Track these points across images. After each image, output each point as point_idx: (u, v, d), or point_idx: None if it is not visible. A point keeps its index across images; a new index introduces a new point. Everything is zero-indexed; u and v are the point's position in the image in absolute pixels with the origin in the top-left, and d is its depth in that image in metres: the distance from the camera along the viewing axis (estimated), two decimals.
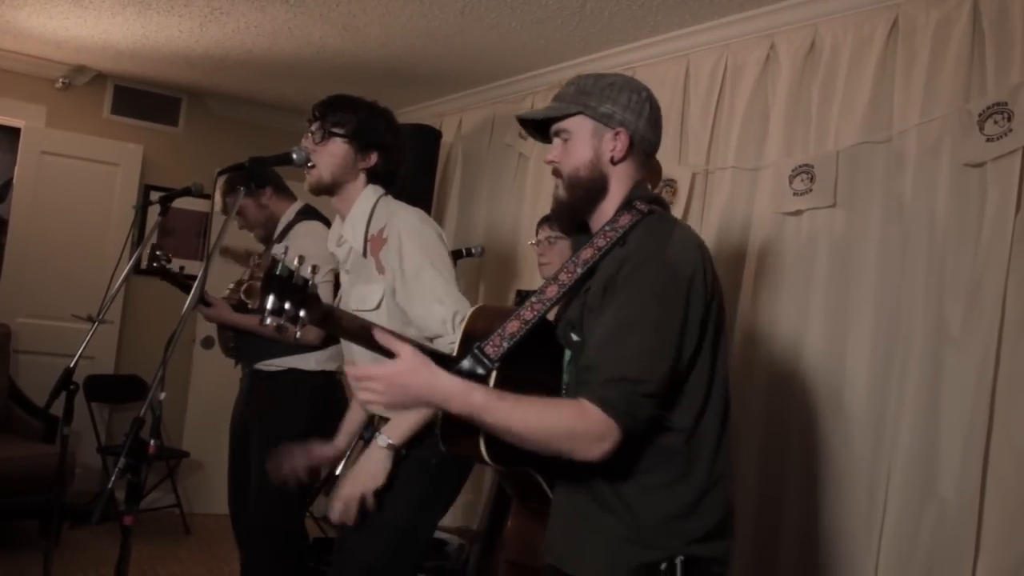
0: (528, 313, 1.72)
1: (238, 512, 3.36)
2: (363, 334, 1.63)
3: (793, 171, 3.04)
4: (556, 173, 1.84)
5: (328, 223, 3.24)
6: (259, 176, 3.30)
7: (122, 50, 4.81)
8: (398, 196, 2.50)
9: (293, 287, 1.50)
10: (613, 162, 1.80)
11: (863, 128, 2.89)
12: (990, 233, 2.49)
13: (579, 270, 1.74)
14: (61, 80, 5.38)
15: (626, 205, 1.78)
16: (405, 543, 2.35)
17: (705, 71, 3.50)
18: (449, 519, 3.84)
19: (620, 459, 1.61)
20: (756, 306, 3.16)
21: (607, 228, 1.75)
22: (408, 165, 2.57)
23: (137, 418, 2.18)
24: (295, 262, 1.52)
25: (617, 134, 1.79)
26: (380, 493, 2.29)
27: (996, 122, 2.49)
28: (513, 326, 1.70)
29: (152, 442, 2.32)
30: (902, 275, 2.73)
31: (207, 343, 5.38)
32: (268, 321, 1.50)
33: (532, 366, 1.74)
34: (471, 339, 1.72)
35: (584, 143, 1.80)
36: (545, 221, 3.43)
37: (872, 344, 2.80)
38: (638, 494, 1.67)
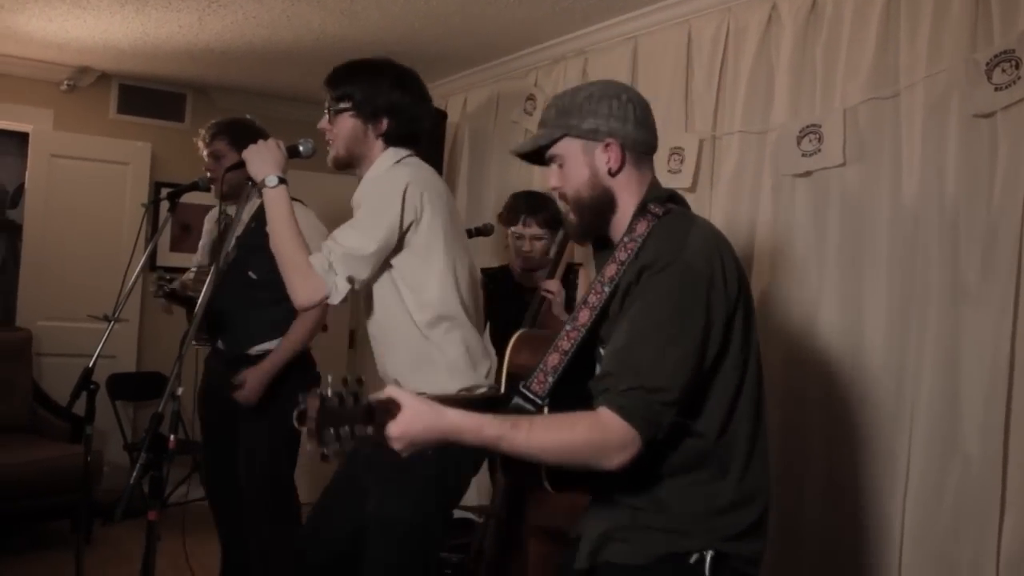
0: (565, 343, 1.74)
1: (218, 492, 3.40)
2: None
3: (801, 132, 3.01)
4: (563, 198, 1.82)
5: (302, 203, 3.25)
6: None
7: (124, 49, 4.81)
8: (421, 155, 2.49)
9: (344, 411, 1.43)
10: (612, 174, 1.78)
11: (869, 85, 2.85)
12: (1002, 184, 2.46)
13: (606, 289, 1.73)
14: (66, 82, 5.39)
15: (640, 211, 1.76)
16: (416, 538, 2.34)
17: (707, 36, 3.46)
18: (474, 498, 3.85)
19: (651, 463, 1.63)
20: (771, 270, 3.14)
21: (626, 240, 1.73)
22: (431, 120, 2.55)
23: (156, 414, 2.20)
24: (338, 385, 1.44)
25: (607, 146, 1.77)
26: (384, 491, 2.30)
27: (1004, 70, 2.45)
28: (554, 359, 1.73)
29: (172, 437, 2.33)
30: (915, 231, 2.70)
31: None
32: (332, 456, 1.42)
33: (574, 385, 1.74)
34: (516, 376, 1.78)
35: (578, 163, 1.78)
36: (531, 214, 3.41)
37: (888, 302, 2.78)
38: (674, 494, 1.68)
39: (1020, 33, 2.43)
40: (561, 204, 1.84)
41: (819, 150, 2.95)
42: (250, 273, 3.22)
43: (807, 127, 2.99)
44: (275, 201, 2.31)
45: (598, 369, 1.79)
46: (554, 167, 1.82)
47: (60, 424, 4.94)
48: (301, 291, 2.24)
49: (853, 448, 2.84)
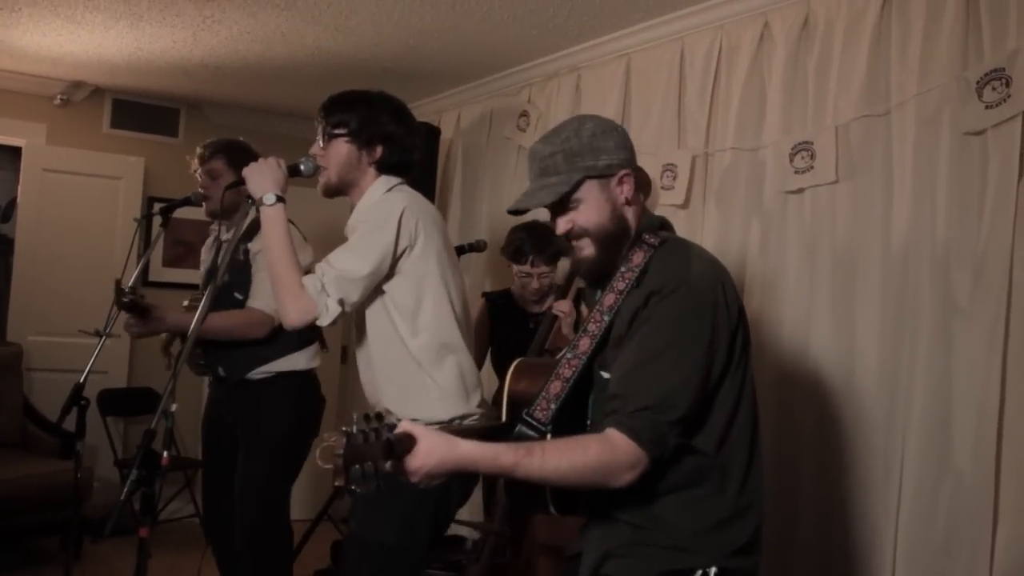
0: (567, 371, 1.77)
1: (214, 517, 3.37)
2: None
3: (793, 149, 3.03)
4: (576, 236, 1.82)
5: (295, 225, 3.26)
6: None
7: (118, 64, 4.81)
8: (413, 185, 2.50)
9: (368, 448, 1.45)
10: (627, 203, 1.82)
11: (861, 102, 2.87)
12: (993, 201, 2.47)
13: (606, 317, 1.77)
14: (59, 97, 5.38)
15: (636, 241, 1.80)
16: (395, 560, 2.32)
17: (700, 53, 3.48)
18: (467, 514, 3.84)
19: (651, 480, 1.66)
20: (763, 287, 3.15)
21: (623, 270, 1.77)
22: (422, 150, 2.56)
23: (148, 430, 2.19)
24: (362, 422, 1.47)
25: (622, 178, 1.81)
26: (369, 514, 2.30)
27: (995, 88, 2.47)
28: (556, 387, 1.76)
29: (165, 453, 2.32)
30: (907, 248, 2.72)
31: None
32: (360, 490, 1.44)
33: (571, 411, 1.79)
34: (516, 403, 1.81)
35: (598, 201, 1.80)
36: (538, 254, 3.40)
37: (880, 318, 2.79)
38: (673, 510, 1.71)
39: (1010, 52, 2.45)
40: (575, 247, 1.84)
41: (811, 167, 2.97)
42: (236, 294, 3.20)
43: (799, 144, 3.01)
44: (271, 220, 2.32)
45: (592, 395, 1.83)
46: (561, 212, 1.82)
47: (50, 440, 4.91)
48: (292, 311, 2.25)
49: (846, 464, 2.85)
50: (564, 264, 3.40)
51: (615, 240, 1.81)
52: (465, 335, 2.48)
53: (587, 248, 1.82)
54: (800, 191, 3.04)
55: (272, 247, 2.30)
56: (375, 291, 2.35)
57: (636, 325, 1.70)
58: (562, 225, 1.82)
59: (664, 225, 1.87)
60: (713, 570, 1.67)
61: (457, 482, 2.37)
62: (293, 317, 2.25)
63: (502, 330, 3.60)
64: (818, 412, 2.94)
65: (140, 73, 5.00)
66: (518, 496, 1.82)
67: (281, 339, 3.16)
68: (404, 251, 2.34)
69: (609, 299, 1.77)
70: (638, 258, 1.77)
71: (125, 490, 2.09)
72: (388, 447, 1.46)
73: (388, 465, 1.46)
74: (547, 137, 1.84)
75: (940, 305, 2.61)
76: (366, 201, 2.43)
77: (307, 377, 3.29)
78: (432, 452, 1.53)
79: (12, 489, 4.36)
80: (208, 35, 4.19)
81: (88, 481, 4.59)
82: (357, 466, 1.42)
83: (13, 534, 4.56)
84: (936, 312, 2.62)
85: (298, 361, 3.23)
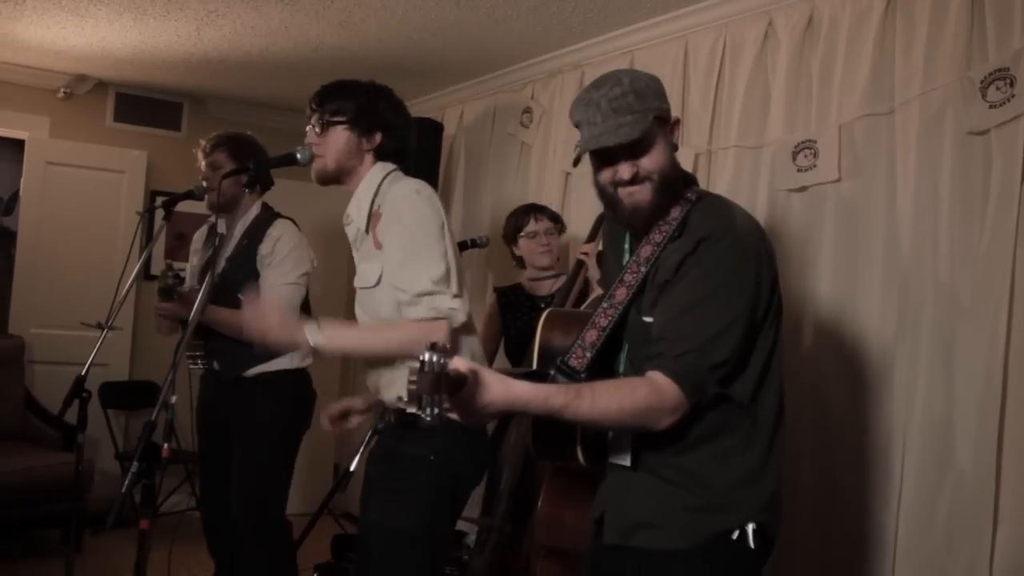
0: (603, 320, 1.78)
1: (213, 511, 3.37)
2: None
3: (796, 147, 3.02)
4: (638, 181, 1.77)
5: (294, 222, 3.30)
6: (264, 178, 3.31)
7: (122, 57, 4.81)
8: (408, 173, 2.49)
9: (439, 378, 1.44)
10: (676, 150, 1.83)
11: (865, 101, 2.87)
12: (996, 200, 2.47)
13: (643, 268, 1.78)
14: (63, 90, 5.39)
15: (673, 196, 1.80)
16: (423, 548, 2.31)
17: (704, 51, 3.48)
18: (468, 509, 3.84)
19: (684, 428, 1.67)
20: None
21: (661, 223, 1.78)
22: (415, 140, 2.56)
23: (149, 422, 2.19)
24: (429, 354, 1.45)
25: (674, 125, 1.82)
26: (387, 502, 2.30)
27: (999, 88, 2.47)
28: (592, 335, 1.77)
29: (165, 445, 2.33)
30: (910, 247, 2.71)
31: None
32: (429, 419, 1.44)
33: (600, 361, 1.79)
34: (548, 351, 1.83)
35: (663, 145, 1.79)
36: (534, 211, 3.54)
37: (882, 318, 2.79)
38: (705, 462, 1.72)
39: (1015, 51, 2.45)
40: (627, 192, 1.78)
41: (814, 165, 2.97)
42: (239, 294, 3.20)
43: (803, 142, 3.01)
44: (338, 342, 2.33)
45: (624, 349, 1.84)
46: (624, 155, 1.76)
47: (52, 432, 4.92)
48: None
49: (846, 462, 2.85)
50: (569, 261, 3.42)
51: (673, 186, 1.79)
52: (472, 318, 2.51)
53: (646, 193, 1.77)
54: (803, 189, 3.04)
55: (368, 348, 2.36)
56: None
57: (684, 270, 1.70)
58: (626, 170, 1.76)
59: (692, 180, 1.87)
60: (751, 527, 1.69)
61: (471, 465, 2.38)
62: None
63: (514, 322, 3.64)
64: (819, 411, 2.94)
65: (143, 67, 5.01)
66: (546, 444, 1.81)
67: None
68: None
69: (647, 250, 1.78)
70: (675, 212, 1.78)
71: (126, 482, 2.10)
72: (454, 381, 1.47)
73: (446, 401, 1.47)
74: (601, 83, 1.78)
75: (942, 304, 2.61)
76: (365, 187, 2.41)
77: (300, 374, 3.30)
78: (488, 390, 1.55)
79: (14, 481, 4.38)
80: (212, 29, 4.19)
81: (89, 473, 4.60)
82: (427, 395, 1.41)
83: (14, 526, 4.58)
84: (938, 311, 2.62)
85: (291, 359, 3.22)
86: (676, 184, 1.80)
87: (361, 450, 3.53)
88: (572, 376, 1.73)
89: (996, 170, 2.48)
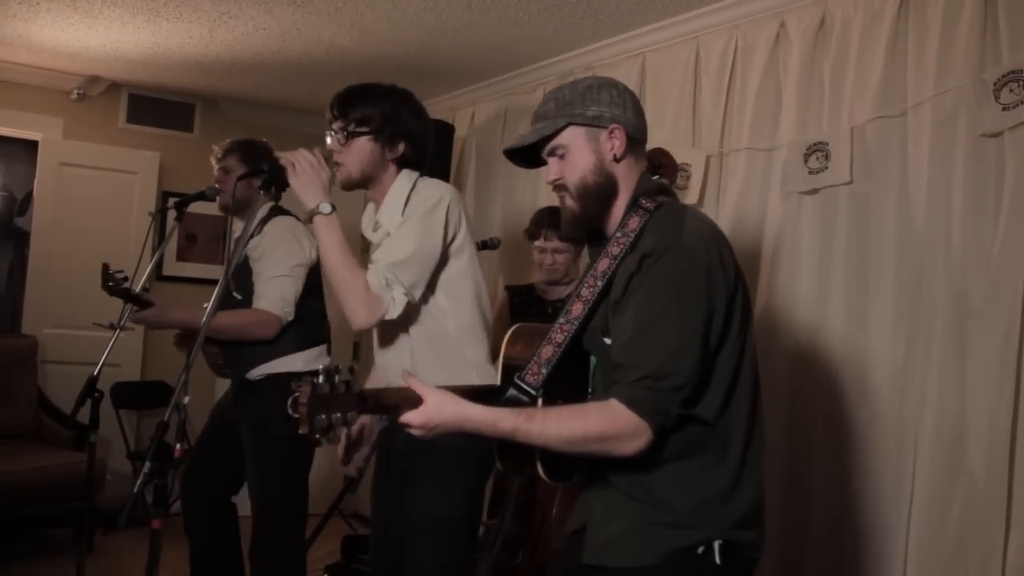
0: (559, 335, 1.76)
1: (192, 490, 3.37)
2: (401, 398, 1.66)
3: (808, 149, 3.02)
4: (561, 188, 1.82)
5: (298, 219, 3.27)
6: (279, 179, 3.31)
7: (135, 59, 4.84)
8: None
9: (335, 397, 1.51)
10: (616, 160, 1.79)
11: (877, 103, 2.86)
12: (1010, 203, 2.46)
13: (599, 283, 1.75)
14: (76, 91, 5.42)
15: (632, 206, 1.78)
16: (464, 535, 2.40)
17: (715, 53, 3.47)
18: None
19: (652, 449, 1.63)
20: (776, 287, 3.14)
21: (619, 235, 1.75)
22: (434, 144, 2.58)
23: (162, 422, 2.20)
24: (328, 374, 1.53)
25: (612, 131, 1.78)
26: (429, 490, 2.34)
27: (1012, 90, 2.46)
28: (547, 351, 1.74)
29: (178, 446, 2.33)
30: (922, 249, 2.70)
31: None
32: (325, 442, 1.52)
33: (566, 379, 1.78)
34: (510, 367, 1.80)
35: (583, 151, 1.78)
36: (548, 227, 3.46)
37: (895, 321, 2.78)
38: (671, 482, 1.68)
39: None
40: (560, 196, 1.84)
41: (826, 168, 2.96)
42: (235, 294, 3.21)
43: (814, 144, 3.00)
44: (329, 229, 2.30)
45: (592, 363, 1.82)
46: (553, 160, 1.82)
47: (64, 432, 4.95)
48: (362, 312, 2.25)
49: (858, 466, 2.84)
50: (581, 268, 3.41)
51: (596, 196, 1.78)
52: (489, 320, 2.55)
53: (568, 200, 1.81)
54: (814, 192, 3.03)
55: (333, 256, 2.29)
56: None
57: (631, 290, 1.67)
58: (551, 171, 1.82)
59: (663, 190, 1.83)
60: (717, 543, 1.65)
61: (492, 457, 2.40)
62: (363, 318, 2.26)
63: (525, 320, 3.63)
64: (830, 414, 2.93)
65: (156, 68, 5.03)
66: (509, 460, 1.81)
67: (281, 341, 3.16)
68: (453, 238, 2.39)
69: (603, 264, 1.75)
70: (634, 223, 1.74)
71: (138, 482, 2.09)
72: (360, 399, 1.53)
73: (384, 419, 1.53)
74: (555, 88, 1.85)
75: (955, 308, 2.60)
76: (394, 197, 2.43)
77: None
78: (438, 411, 1.60)
79: (26, 480, 4.40)
80: (224, 31, 4.21)
81: (101, 473, 4.62)
82: (322, 415, 1.47)
83: (26, 525, 4.60)
84: (950, 315, 2.61)
85: (295, 362, 3.20)
86: (601, 194, 1.78)
87: (371, 456, 3.53)
88: (528, 393, 1.71)
89: (1009, 172, 2.47)
